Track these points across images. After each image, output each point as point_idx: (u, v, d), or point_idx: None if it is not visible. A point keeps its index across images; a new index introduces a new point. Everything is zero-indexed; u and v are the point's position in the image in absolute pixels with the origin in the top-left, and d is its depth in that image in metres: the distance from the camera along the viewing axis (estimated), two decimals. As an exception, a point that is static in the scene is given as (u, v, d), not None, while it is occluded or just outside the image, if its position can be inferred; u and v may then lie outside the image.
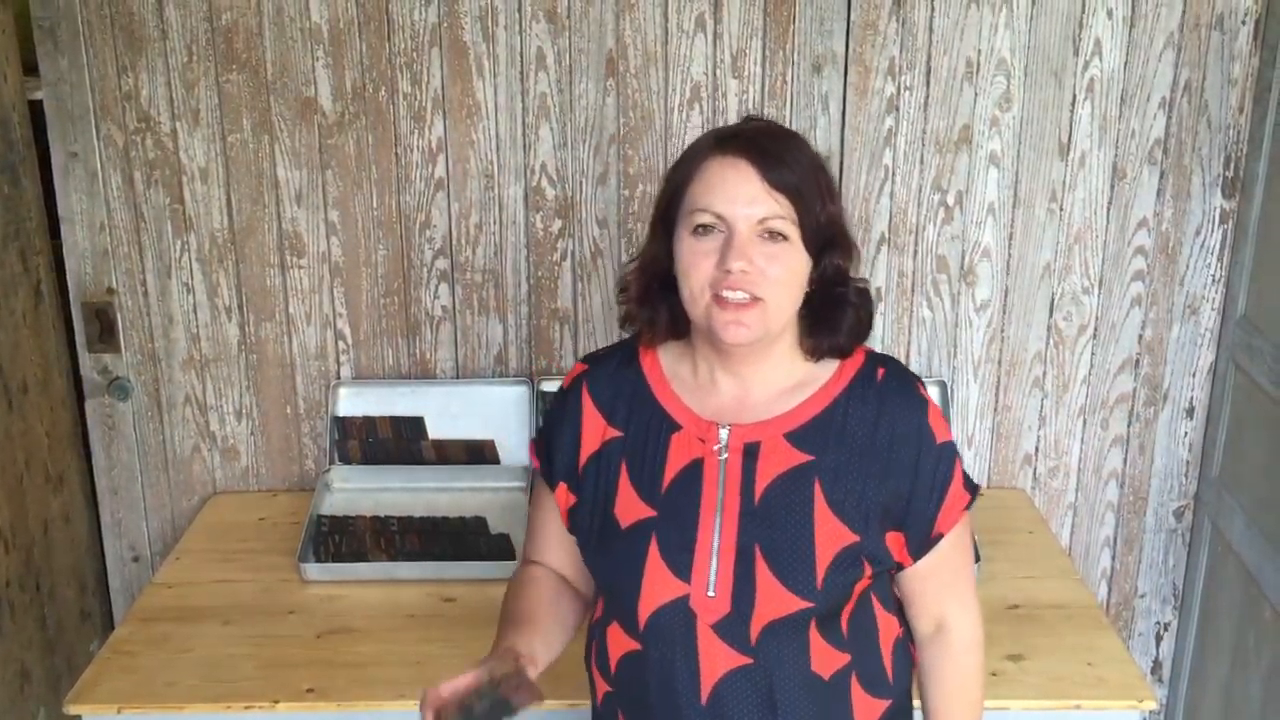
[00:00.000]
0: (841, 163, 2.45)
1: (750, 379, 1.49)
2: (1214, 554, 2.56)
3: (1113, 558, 2.68)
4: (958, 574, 1.56)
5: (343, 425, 2.54)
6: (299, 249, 2.50)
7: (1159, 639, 2.74)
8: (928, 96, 2.41)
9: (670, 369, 1.54)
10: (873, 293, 1.52)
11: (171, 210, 2.47)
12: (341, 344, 2.56)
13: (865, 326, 1.51)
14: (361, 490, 2.49)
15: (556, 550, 1.62)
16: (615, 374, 1.55)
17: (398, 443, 2.55)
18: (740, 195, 1.39)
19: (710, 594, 1.44)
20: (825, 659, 1.47)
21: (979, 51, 2.39)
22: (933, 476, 1.47)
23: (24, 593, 2.41)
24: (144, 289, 2.51)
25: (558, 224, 2.50)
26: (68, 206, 2.46)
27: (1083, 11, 2.36)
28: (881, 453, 1.46)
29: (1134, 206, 2.47)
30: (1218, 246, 2.49)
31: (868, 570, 1.47)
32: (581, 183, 2.47)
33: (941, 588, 1.54)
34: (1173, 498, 2.65)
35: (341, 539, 2.34)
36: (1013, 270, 2.50)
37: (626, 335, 1.60)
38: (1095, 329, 2.54)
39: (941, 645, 1.56)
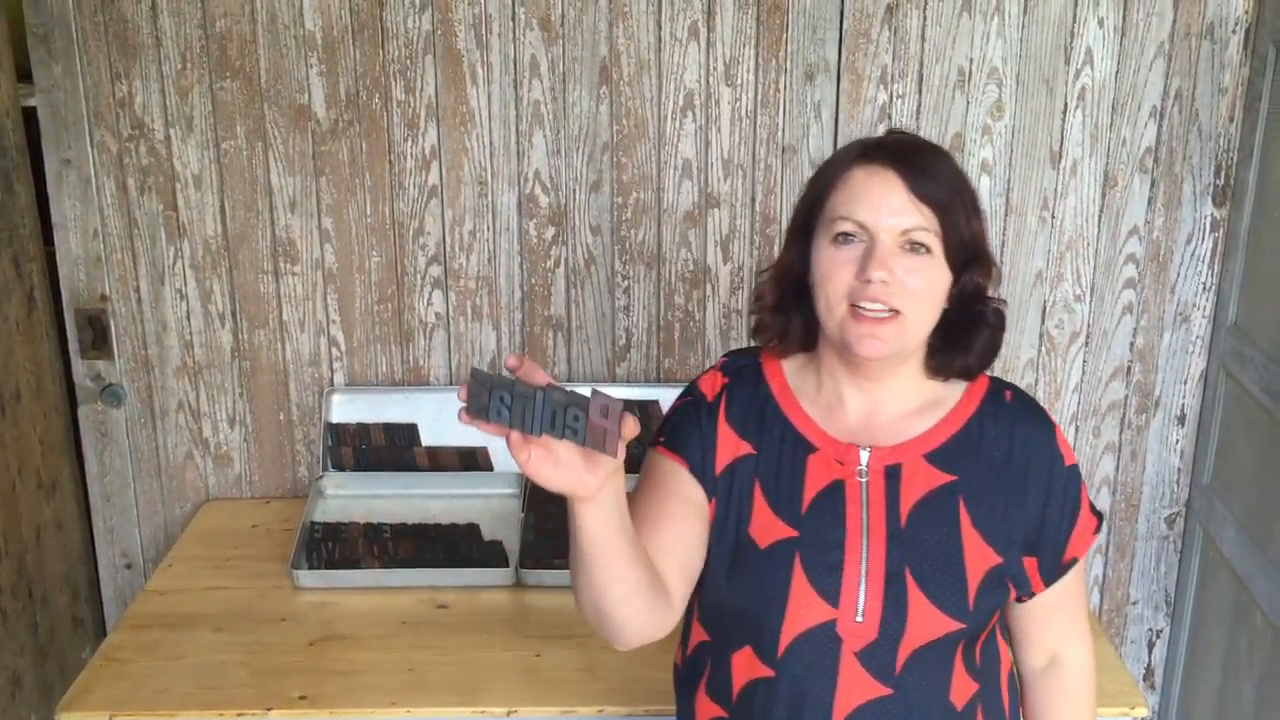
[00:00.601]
0: (834, 170, 2.45)
1: (878, 396, 1.46)
2: (1205, 561, 2.57)
3: (1105, 564, 2.69)
4: (1079, 605, 1.53)
5: (336, 432, 2.55)
6: (292, 256, 2.50)
7: (1151, 646, 2.75)
8: (920, 105, 2.42)
9: (796, 385, 1.50)
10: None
11: (165, 217, 2.47)
12: (335, 350, 2.56)
13: (996, 349, 1.47)
14: (354, 497, 2.49)
15: (681, 540, 1.43)
16: (745, 389, 1.50)
17: (391, 450, 2.55)
18: (885, 205, 1.36)
19: (858, 619, 1.40)
20: (962, 687, 1.44)
21: (971, 60, 2.40)
22: (1063, 500, 1.46)
23: (16, 599, 2.41)
24: (137, 295, 2.51)
25: (551, 231, 2.50)
26: (61, 213, 2.46)
27: (1074, 21, 2.38)
28: (1017, 473, 1.45)
29: (1125, 215, 2.48)
30: (1208, 254, 2.50)
31: (1012, 593, 1.45)
32: (575, 190, 2.47)
33: (1064, 621, 1.52)
34: (1164, 505, 2.65)
35: (334, 546, 2.34)
36: (1005, 278, 2.51)
37: (754, 345, 1.56)
38: (1087, 336, 2.55)
39: (1057, 680, 1.54)
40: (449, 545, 2.36)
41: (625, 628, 1.35)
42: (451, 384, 2.58)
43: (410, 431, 2.55)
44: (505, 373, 1.11)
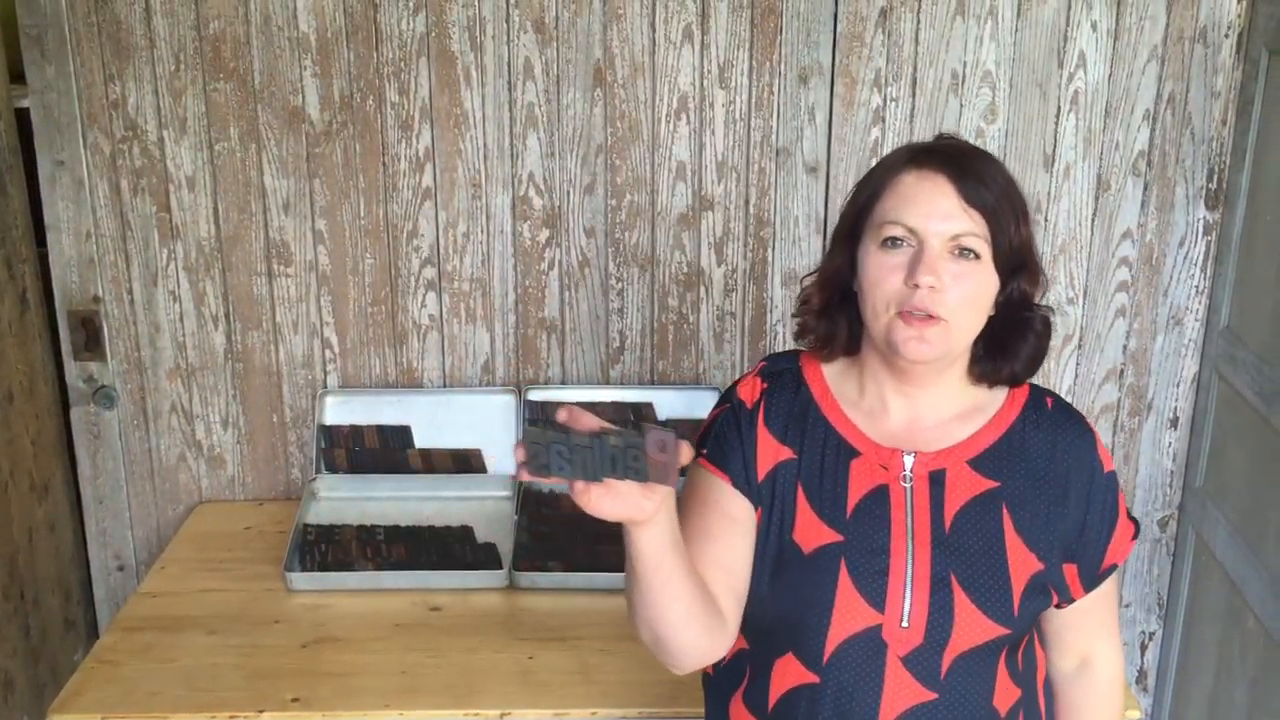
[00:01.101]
0: (828, 174, 2.46)
1: (921, 401, 1.46)
2: (1198, 563, 2.57)
3: (1097, 567, 2.69)
4: (1111, 608, 1.54)
5: (329, 434, 2.54)
6: (286, 258, 2.50)
7: (1144, 648, 2.75)
8: (913, 108, 2.42)
9: (837, 389, 1.49)
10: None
11: (158, 219, 2.47)
12: (328, 353, 2.56)
13: (1041, 357, 1.47)
14: (348, 499, 2.49)
15: (728, 555, 1.44)
16: (785, 394, 1.50)
17: (384, 452, 2.55)
18: (935, 210, 1.36)
19: (904, 624, 1.40)
20: (1005, 692, 1.44)
21: (964, 64, 2.40)
22: (1103, 506, 1.46)
23: (8, 601, 2.41)
24: (130, 297, 2.51)
25: (545, 233, 2.50)
26: (54, 215, 2.46)
27: (1067, 24, 2.38)
28: (1059, 480, 1.45)
29: (1118, 218, 2.49)
30: (1201, 258, 2.51)
31: (1054, 599, 1.45)
32: (569, 192, 2.47)
33: (1097, 624, 1.52)
34: (1157, 508, 2.66)
35: (327, 548, 2.34)
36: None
37: (794, 349, 1.56)
38: (1080, 339, 2.55)
39: (1088, 682, 1.54)
40: (442, 547, 2.36)
41: (683, 652, 1.37)
42: (445, 386, 2.58)
43: (404, 433, 2.55)
44: (555, 423, 1.16)
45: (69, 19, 2.36)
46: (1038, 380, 1.52)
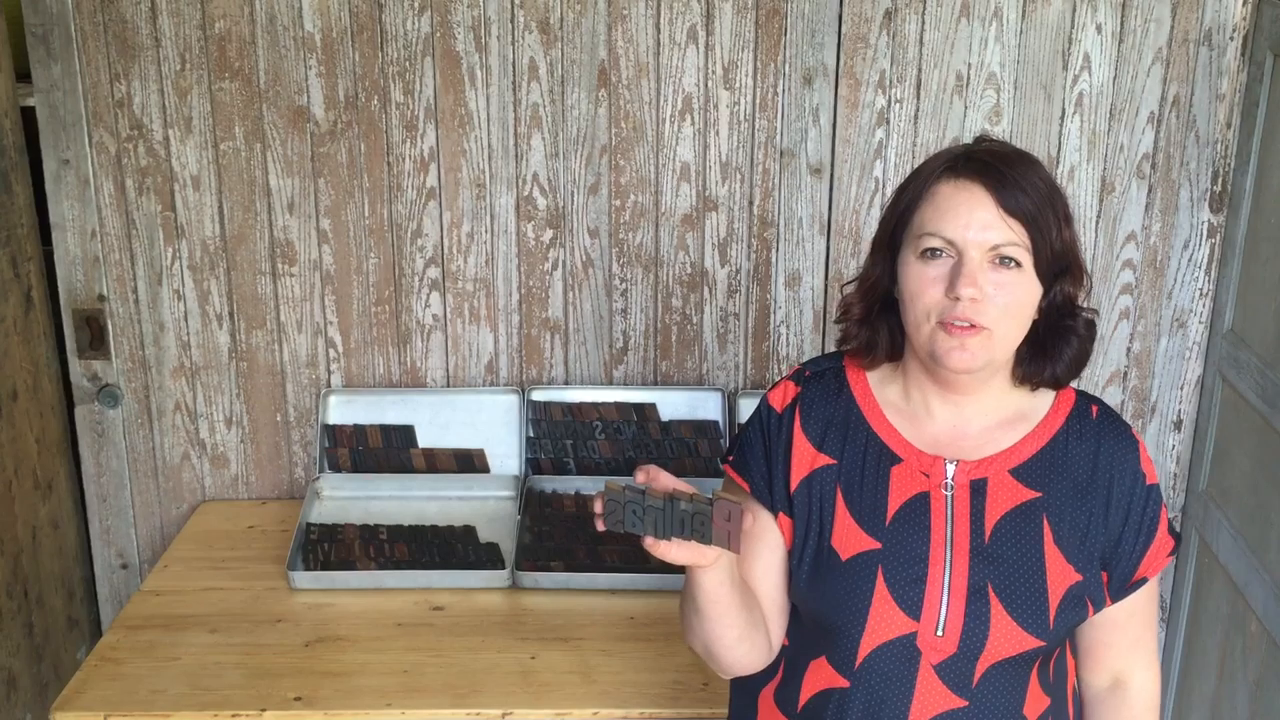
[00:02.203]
0: (832, 175, 2.46)
1: (966, 408, 1.45)
2: (1200, 567, 2.57)
3: (1100, 570, 2.69)
4: (1147, 628, 1.50)
5: (332, 433, 2.55)
6: (290, 257, 2.50)
7: (1146, 651, 2.74)
8: (918, 110, 2.42)
9: (880, 394, 1.48)
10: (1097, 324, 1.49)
11: (163, 218, 2.48)
12: (332, 352, 2.56)
13: (1084, 359, 1.45)
14: (351, 499, 2.49)
15: (757, 575, 1.48)
16: (825, 399, 1.49)
17: (387, 451, 2.55)
18: (974, 221, 1.34)
19: (939, 633, 1.39)
20: (1036, 701, 1.44)
21: (969, 65, 2.40)
22: (1141, 518, 1.44)
23: (11, 599, 2.41)
24: (135, 296, 2.51)
25: (549, 234, 2.50)
26: (59, 213, 2.46)
27: (1072, 26, 2.38)
28: (1100, 491, 1.43)
29: (1122, 220, 2.48)
30: (1205, 260, 2.51)
31: (1090, 611, 1.43)
32: (573, 193, 2.48)
33: (1130, 642, 1.49)
34: (1160, 510, 2.65)
35: (330, 547, 2.34)
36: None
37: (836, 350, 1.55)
38: (1083, 342, 2.55)
39: (1120, 703, 1.51)
40: (445, 547, 2.36)
41: (733, 666, 1.46)
42: (449, 386, 2.58)
43: (407, 433, 2.55)
44: (633, 482, 1.30)
45: (75, 18, 2.36)
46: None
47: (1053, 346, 1.42)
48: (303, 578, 2.25)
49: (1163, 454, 2.62)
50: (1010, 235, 1.34)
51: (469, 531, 2.40)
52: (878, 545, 1.41)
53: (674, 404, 2.55)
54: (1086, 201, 2.47)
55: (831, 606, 1.43)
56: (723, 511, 1.25)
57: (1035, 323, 1.41)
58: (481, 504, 2.49)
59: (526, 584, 2.25)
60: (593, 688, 1.97)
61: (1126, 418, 2.59)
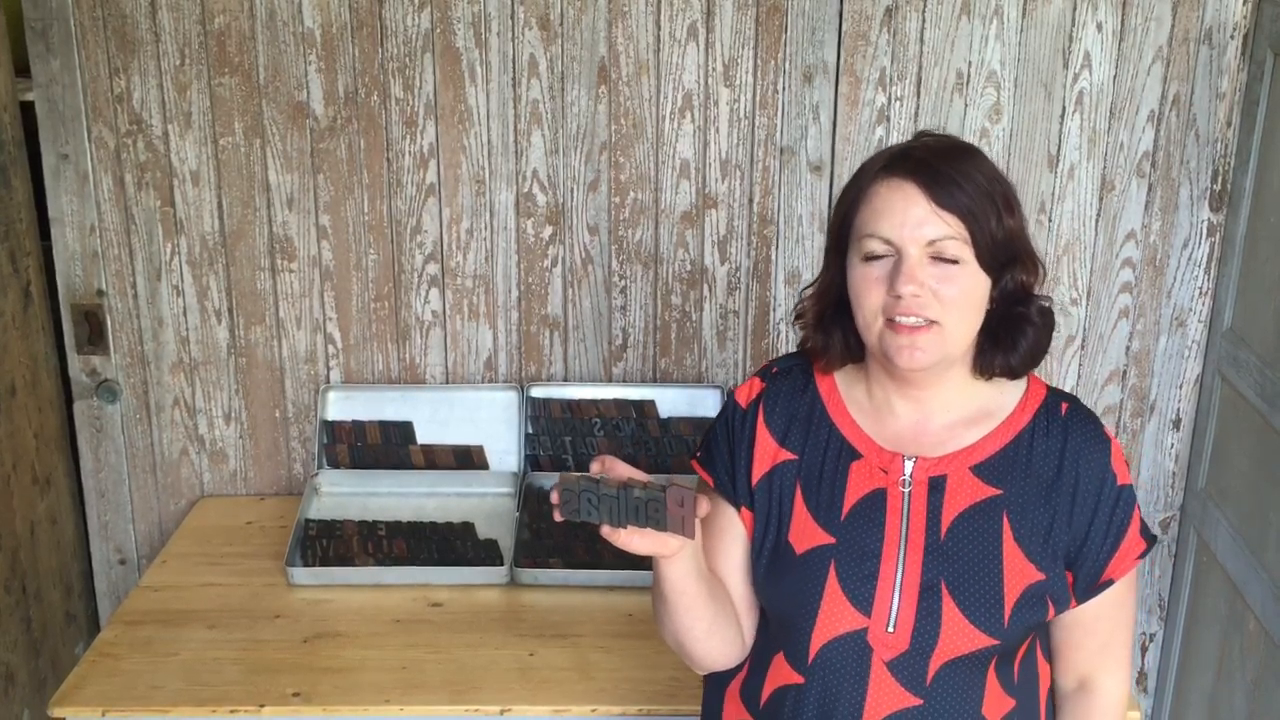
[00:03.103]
0: (832, 173, 2.46)
1: (929, 403, 1.45)
2: (1199, 565, 2.57)
3: (1099, 568, 2.69)
4: (1116, 632, 1.49)
5: (331, 429, 2.54)
6: (289, 253, 2.50)
7: (1144, 650, 2.75)
8: (918, 107, 2.42)
9: (846, 391, 1.49)
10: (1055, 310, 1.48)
11: (162, 213, 2.47)
12: (331, 348, 2.56)
13: (1042, 348, 1.44)
14: (349, 495, 2.49)
15: (727, 570, 1.50)
16: (791, 395, 1.50)
17: (386, 447, 2.55)
18: (909, 219, 1.35)
19: (890, 629, 1.40)
20: (996, 702, 1.43)
21: (969, 63, 2.40)
22: (1110, 519, 1.42)
23: (9, 595, 2.41)
24: (134, 291, 2.51)
25: (548, 230, 2.50)
26: (58, 208, 2.46)
27: (1072, 25, 2.38)
28: (1066, 489, 1.42)
29: (1122, 219, 2.48)
30: (1205, 259, 2.51)
31: (1051, 611, 1.42)
32: (572, 189, 2.47)
33: (1099, 645, 1.48)
34: (1159, 509, 2.66)
35: (329, 543, 2.34)
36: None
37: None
38: (1083, 340, 2.55)
39: (1085, 706, 1.50)
40: (444, 543, 2.36)
41: (705, 660, 1.49)
42: (448, 382, 2.58)
43: (406, 429, 2.55)
44: (589, 473, 1.32)
45: (74, 13, 2.36)
46: (1040, 377, 1.51)
47: (1007, 336, 1.42)
48: (301, 574, 2.25)
49: (1161, 453, 2.62)
50: (946, 230, 1.35)
51: (468, 528, 2.40)
52: (832, 540, 1.42)
53: (673, 401, 2.55)
54: (1086, 200, 2.47)
55: (786, 601, 1.45)
56: (676, 498, 1.27)
57: (989, 313, 1.41)
58: (480, 501, 2.49)
59: (525, 581, 2.25)
60: (591, 684, 1.98)
61: (1126, 416, 2.59)
